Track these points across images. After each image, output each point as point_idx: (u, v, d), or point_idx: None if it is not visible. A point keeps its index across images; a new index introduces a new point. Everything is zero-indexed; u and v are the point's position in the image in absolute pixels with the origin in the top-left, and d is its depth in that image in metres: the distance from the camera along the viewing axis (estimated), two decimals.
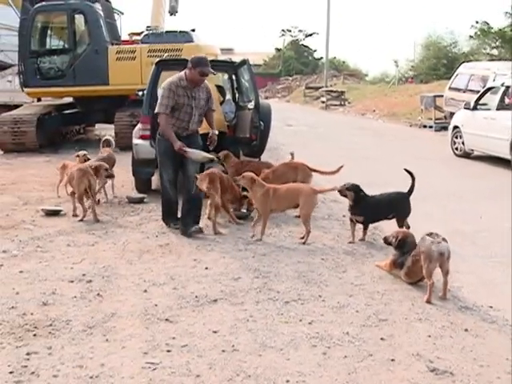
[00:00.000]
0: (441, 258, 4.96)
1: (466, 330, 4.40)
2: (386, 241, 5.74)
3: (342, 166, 7.76)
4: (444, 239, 5.03)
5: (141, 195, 8.68)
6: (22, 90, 15.82)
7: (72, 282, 5.23)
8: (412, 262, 5.22)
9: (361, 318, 4.57)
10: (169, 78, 6.91)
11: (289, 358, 3.88)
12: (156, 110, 6.85)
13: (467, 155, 14.13)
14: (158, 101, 6.84)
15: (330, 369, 3.75)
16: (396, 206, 6.72)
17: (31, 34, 15.06)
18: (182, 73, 6.85)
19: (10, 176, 10.66)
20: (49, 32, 16.00)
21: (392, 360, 3.88)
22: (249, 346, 4.03)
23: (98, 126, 18.69)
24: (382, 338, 4.20)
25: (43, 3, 15.15)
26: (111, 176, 8.54)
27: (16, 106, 16.74)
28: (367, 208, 6.66)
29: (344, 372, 3.72)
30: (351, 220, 6.78)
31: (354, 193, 6.68)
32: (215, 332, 4.23)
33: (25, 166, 11.97)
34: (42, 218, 7.60)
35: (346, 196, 6.79)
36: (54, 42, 16.22)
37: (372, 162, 13.02)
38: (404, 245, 5.47)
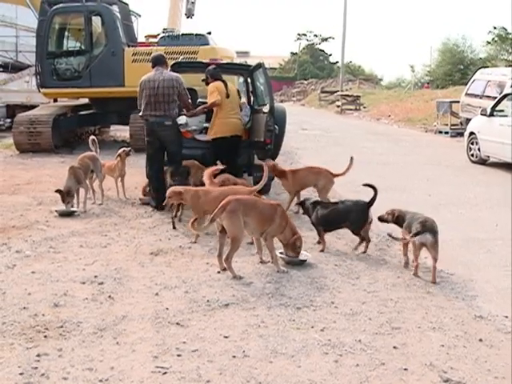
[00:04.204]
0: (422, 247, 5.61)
1: (481, 340, 4.34)
2: (382, 219, 6.25)
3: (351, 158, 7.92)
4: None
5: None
6: (39, 91, 15.94)
7: (84, 283, 5.22)
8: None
9: (373, 325, 4.52)
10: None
11: (300, 365, 3.84)
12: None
13: (483, 162, 14.02)
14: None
15: (342, 377, 3.71)
16: (349, 215, 6.51)
17: (49, 35, 15.16)
18: None
19: (25, 176, 10.71)
20: (66, 33, 16.08)
21: (405, 369, 3.83)
22: (260, 352, 3.99)
23: (112, 127, 18.77)
24: (394, 347, 4.15)
25: (61, 5, 15.26)
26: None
27: (32, 107, 16.85)
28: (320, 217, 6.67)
29: (356, 381, 3.67)
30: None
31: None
32: (226, 337, 4.20)
33: (40, 167, 12.03)
34: (56, 218, 7.62)
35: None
36: (70, 44, 16.32)
37: (387, 168, 12.95)
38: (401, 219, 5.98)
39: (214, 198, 6.55)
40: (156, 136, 8.06)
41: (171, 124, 8.04)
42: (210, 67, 9.11)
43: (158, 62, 8.14)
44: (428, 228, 5.56)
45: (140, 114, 8.23)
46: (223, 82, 8.74)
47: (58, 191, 7.87)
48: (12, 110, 19.11)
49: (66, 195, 7.82)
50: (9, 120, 18.38)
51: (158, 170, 8.20)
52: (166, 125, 7.99)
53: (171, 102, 7.97)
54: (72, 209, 7.92)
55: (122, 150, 9.21)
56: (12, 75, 22.14)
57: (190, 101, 8.38)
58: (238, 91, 10.59)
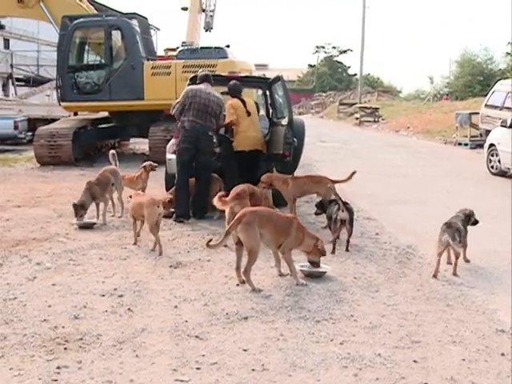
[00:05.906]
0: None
1: (503, 354, 4.27)
2: None
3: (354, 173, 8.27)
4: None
5: (172, 210, 8.65)
6: (59, 104, 16.13)
7: (103, 296, 5.25)
8: None
9: (393, 339, 4.48)
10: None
11: (319, 378, 3.82)
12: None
13: (503, 174, 13.89)
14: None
15: None
16: None
17: (69, 50, 15.38)
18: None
19: (45, 189, 10.83)
20: (86, 47, 16.32)
21: None
22: (279, 365, 3.97)
23: (132, 140, 18.91)
24: (414, 361, 4.10)
25: (82, 19, 15.48)
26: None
27: (53, 120, 17.07)
28: None
29: None
30: None
31: None
32: (245, 350, 4.19)
33: (60, 179, 12.16)
34: (76, 231, 7.68)
35: None
36: (91, 58, 16.54)
37: (406, 180, 12.87)
38: None
39: (135, 204, 7.05)
40: (195, 143, 8.39)
41: (212, 136, 8.62)
42: (231, 83, 9.18)
43: (206, 79, 8.83)
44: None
45: (181, 117, 8.56)
46: (241, 99, 8.85)
47: (73, 205, 7.95)
48: (33, 123, 19.38)
49: (79, 208, 7.89)
50: (30, 133, 18.63)
51: (187, 179, 8.45)
52: (208, 135, 8.50)
53: (214, 116, 8.54)
54: (92, 220, 7.99)
55: (149, 163, 9.30)
56: (33, 89, 22.51)
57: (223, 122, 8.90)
58: (257, 104, 10.63)
